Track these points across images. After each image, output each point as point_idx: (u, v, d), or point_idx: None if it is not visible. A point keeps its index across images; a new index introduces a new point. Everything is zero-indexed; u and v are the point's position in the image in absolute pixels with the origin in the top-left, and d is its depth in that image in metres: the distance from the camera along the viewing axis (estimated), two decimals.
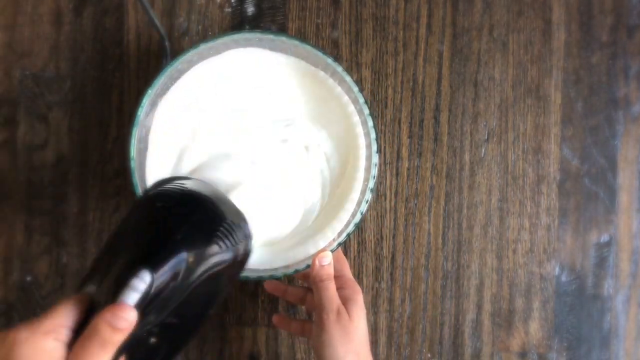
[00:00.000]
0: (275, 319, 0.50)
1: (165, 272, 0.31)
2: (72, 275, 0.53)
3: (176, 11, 0.53)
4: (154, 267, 0.31)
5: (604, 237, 0.54)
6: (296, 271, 0.44)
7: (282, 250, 0.46)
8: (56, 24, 0.53)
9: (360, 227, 0.53)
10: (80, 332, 0.30)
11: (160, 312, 0.32)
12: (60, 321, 0.30)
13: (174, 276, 0.32)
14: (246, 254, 0.38)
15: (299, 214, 0.48)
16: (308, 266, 0.44)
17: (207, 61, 0.46)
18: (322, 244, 0.45)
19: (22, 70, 0.53)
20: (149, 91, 0.44)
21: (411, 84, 0.54)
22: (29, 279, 0.53)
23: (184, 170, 0.47)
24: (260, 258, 0.46)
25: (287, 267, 0.45)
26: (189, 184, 0.38)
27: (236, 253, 0.36)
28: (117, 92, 0.53)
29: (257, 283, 0.53)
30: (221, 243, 0.35)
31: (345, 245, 0.53)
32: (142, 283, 0.30)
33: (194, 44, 0.45)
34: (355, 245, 0.53)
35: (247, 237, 0.38)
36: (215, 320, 0.53)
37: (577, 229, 0.54)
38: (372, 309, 0.53)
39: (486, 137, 0.54)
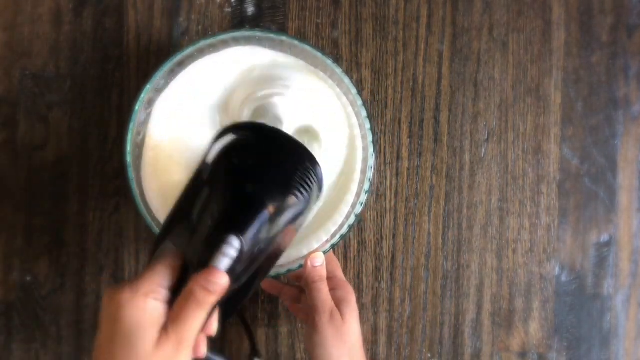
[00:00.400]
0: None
1: (252, 233, 0.32)
2: (72, 275, 0.53)
3: (176, 11, 0.53)
4: (242, 231, 0.31)
5: (604, 237, 0.54)
6: (289, 271, 0.44)
7: None
8: (56, 24, 0.53)
9: (360, 227, 0.53)
10: (177, 291, 0.32)
11: (247, 269, 0.33)
12: (158, 281, 0.33)
13: (259, 233, 0.32)
14: (317, 198, 0.37)
15: None
16: (301, 266, 0.44)
17: (207, 57, 0.47)
18: (315, 245, 0.45)
19: (22, 70, 0.53)
20: (148, 86, 0.44)
21: (411, 84, 0.54)
22: (29, 279, 0.53)
23: (180, 167, 0.46)
24: None
25: (280, 266, 0.45)
26: (256, 131, 0.37)
27: (310, 200, 0.36)
28: (117, 92, 0.53)
29: None
30: (298, 192, 0.34)
31: (345, 245, 0.53)
32: (232, 249, 0.31)
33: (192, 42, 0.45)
34: (355, 245, 0.53)
35: (320, 179, 0.37)
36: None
37: (577, 228, 0.54)
38: (372, 309, 0.53)
39: (486, 137, 0.54)
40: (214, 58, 0.47)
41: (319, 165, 0.37)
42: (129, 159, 0.44)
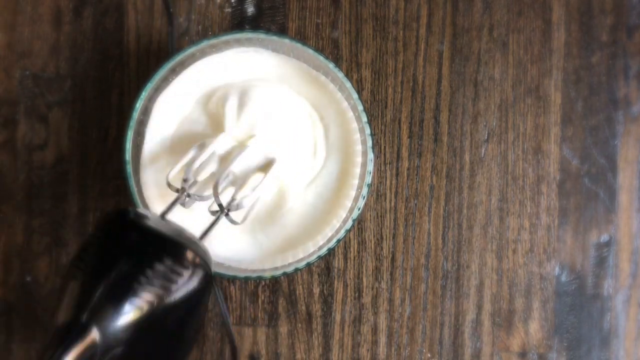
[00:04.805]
0: None
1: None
2: None
3: (176, 11, 0.53)
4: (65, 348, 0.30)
5: (604, 237, 0.54)
6: (284, 274, 0.44)
7: (271, 253, 0.47)
8: (56, 24, 0.53)
9: (360, 227, 0.53)
10: None
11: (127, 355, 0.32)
12: None
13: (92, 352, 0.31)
14: (202, 278, 0.34)
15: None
16: (297, 269, 0.44)
17: (208, 58, 0.47)
18: (311, 249, 0.46)
19: (22, 70, 0.53)
20: (148, 86, 0.44)
21: (411, 84, 0.54)
22: (29, 279, 0.53)
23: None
24: (251, 255, 0.46)
25: (275, 269, 0.46)
26: (111, 226, 0.35)
27: (174, 296, 0.33)
28: (117, 92, 0.53)
29: (257, 283, 0.53)
30: (143, 303, 0.32)
31: (345, 246, 0.53)
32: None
33: (194, 42, 0.46)
34: (355, 245, 0.53)
35: (193, 264, 0.34)
36: (215, 320, 0.53)
37: (577, 229, 0.54)
38: (372, 309, 0.53)
39: (486, 137, 0.54)
40: (215, 59, 0.47)
41: (188, 250, 0.34)
42: (128, 157, 0.44)
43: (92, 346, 0.31)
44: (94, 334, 0.31)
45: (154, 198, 0.46)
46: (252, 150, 0.45)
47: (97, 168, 0.53)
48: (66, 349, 0.31)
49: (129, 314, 0.32)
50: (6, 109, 0.53)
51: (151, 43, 0.53)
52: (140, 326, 0.32)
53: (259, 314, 0.53)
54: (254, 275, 0.45)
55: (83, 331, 0.31)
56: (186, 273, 0.33)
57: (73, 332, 0.31)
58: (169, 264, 0.33)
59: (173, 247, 0.34)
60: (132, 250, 0.33)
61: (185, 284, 0.33)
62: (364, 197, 0.45)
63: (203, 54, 0.46)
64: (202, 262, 0.35)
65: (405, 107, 0.54)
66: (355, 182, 0.46)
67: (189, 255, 0.34)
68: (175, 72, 0.46)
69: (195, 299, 0.35)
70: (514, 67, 0.54)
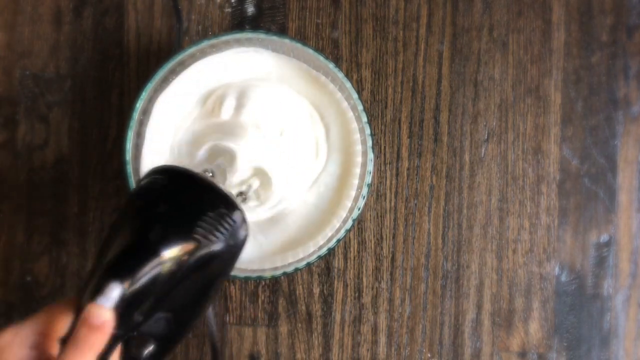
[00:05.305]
0: None
1: (140, 275, 0.31)
2: (72, 275, 0.53)
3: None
4: (125, 275, 0.31)
5: (604, 237, 0.54)
6: (284, 274, 0.45)
7: (271, 253, 0.47)
8: (56, 24, 0.53)
9: (360, 227, 0.53)
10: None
11: (147, 311, 0.32)
12: (42, 328, 0.31)
13: (153, 278, 0.32)
14: (236, 243, 0.36)
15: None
16: (297, 269, 0.44)
17: (208, 58, 0.47)
18: (311, 249, 0.46)
19: (22, 70, 0.53)
20: (148, 86, 0.44)
21: (411, 84, 0.54)
22: (29, 279, 0.53)
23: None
24: (251, 255, 0.46)
25: (275, 268, 0.46)
26: (170, 174, 0.36)
27: (225, 243, 0.35)
28: (117, 92, 0.53)
29: (257, 283, 0.53)
30: (202, 238, 0.34)
31: (345, 245, 0.53)
32: (113, 292, 0.30)
33: (194, 42, 0.46)
34: (355, 245, 0.53)
35: (236, 224, 0.36)
36: (215, 320, 0.53)
37: (577, 229, 0.54)
38: (372, 309, 0.53)
39: (486, 137, 0.54)
40: (215, 59, 0.47)
41: (239, 210, 0.36)
42: (128, 157, 0.44)
43: (160, 264, 0.32)
44: (164, 254, 0.32)
45: None
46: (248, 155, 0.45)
47: (97, 168, 0.53)
48: (140, 262, 0.31)
49: (188, 245, 0.33)
50: (6, 109, 0.53)
51: (151, 43, 0.53)
52: (191, 263, 0.33)
53: (259, 314, 0.53)
54: (254, 275, 0.45)
55: (153, 251, 0.32)
56: (235, 227, 0.35)
57: (143, 249, 0.32)
58: (224, 212, 0.35)
59: (228, 201, 0.36)
60: (195, 193, 0.35)
61: (232, 236, 0.35)
62: (364, 197, 0.45)
63: (203, 54, 0.46)
64: (246, 223, 0.37)
65: (405, 107, 0.54)
66: (356, 182, 0.46)
67: (239, 212, 0.36)
68: (175, 72, 0.46)
69: (234, 253, 0.36)
70: (514, 67, 0.54)
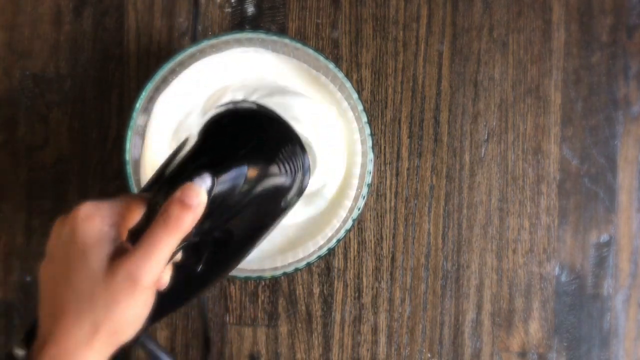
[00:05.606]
0: None
1: (225, 180, 0.32)
2: None
3: (176, 11, 0.53)
4: (216, 172, 0.32)
5: (604, 237, 0.54)
6: (284, 274, 0.45)
7: (271, 253, 0.47)
8: (56, 24, 0.53)
9: (360, 227, 0.53)
10: (137, 235, 0.30)
11: (216, 221, 0.33)
12: (121, 211, 0.31)
13: (233, 187, 0.33)
14: (302, 186, 0.38)
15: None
16: (297, 269, 0.44)
17: (208, 58, 0.47)
18: (311, 249, 0.46)
19: (22, 70, 0.53)
20: (148, 86, 0.44)
21: (411, 84, 0.54)
22: (28, 279, 0.53)
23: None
24: (251, 255, 0.46)
25: (275, 269, 0.46)
26: (258, 106, 0.39)
27: (294, 180, 0.37)
28: (117, 92, 0.53)
29: (257, 283, 0.53)
30: (281, 165, 0.36)
31: (345, 246, 0.53)
32: (204, 183, 0.31)
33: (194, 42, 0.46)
34: (355, 245, 0.53)
35: (306, 168, 0.38)
36: (215, 320, 0.53)
37: (577, 229, 0.54)
38: (372, 309, 0.53)
39: (486, 137, 0.54)
40: (215, 59, 0.47)
41: (307, 156, 0.38)
42: (128, 157, 0.44)
43: (242, 175, 0.34)
44: (248, 170, 0.34)
45: None
46: None
47: (97, 168, 0.53)
48: (228, 167, 0.33)
49: (269, 167, 0.35)
50: (6, 109, 0.53)
51: (151, 43, 0.53)
52: (264, 187, 0.35)
53: (259, 314, 0.53)
54: (254, 275, 0.45)
55: (240, 163, 0.34)
56: (305, 168, 0.38)
57: (233, 159, 0.34)
58: (299, 151, 0.38)
59: (302, 143, 0.38)
60: (279, 128, 0.38)
61: (300, 177, 0.37)
62: (363, 197, 0.45)
63: (203, 54, 0.46)
64: (309, 174, 0.39)
65: (405, 107, 0.54)
66: (355, 182, 0.46)
67: (308, 158, 0.38)
68: (175, 72, 0.46)
69: (295, 195, 0.38)
70: (514, 67, 0.54)
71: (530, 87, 0.54)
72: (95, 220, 0.30)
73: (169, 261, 0.30)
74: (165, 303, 0.32)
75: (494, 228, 0.54)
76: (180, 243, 0.30)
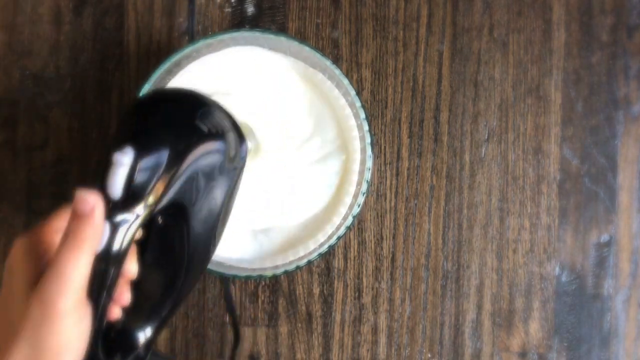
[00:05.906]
0: None
1: (149, 143, 0.30)
2: None
3: (176, 11, 0.53)
4: (135, 142, 0.30)
5: (604, 237, 0.54)
6: (285, 272, 0.45)
7: (272, 252, 0.47)
8: (56, 24, 0.53)
9: (360, 227, 0.53)
10: None
11: (160, 194, 0.31)
12: (45, 228, 0.30)
13: (158, 152, 0.31)
14: (237, 155, 0.37)
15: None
16: (298, 267, 0.44)
17: (206, 57, 0.47)
18: (312, 247, 0.46)
19: (22, 70, 0.53)
20: (146, 85, 0.44)
21: (411, 84, 0.54)
22: None
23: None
24: (252, 255, 0.46)
25: (276, 267, 0.46)
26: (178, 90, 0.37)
27: (227, 148, 0.35)
28: (117, 92, 0.53)
29: (257, 283, 0.53)
30: (202, 125, 0.33)
31: (345, 246, 0.53)
32: (125, 155, 0.29)
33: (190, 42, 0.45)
34: (355, 245, 0.53)
35: (239, 137, 0.36)
36: (215, 320, 0.53)
37: (577, 228, 0.54)
38: (372, 309, 0.53)
39: (486, 137, 0.54)
40: (213, 58, 0.47)
41: (231, 116, 0.36)
42: None
43: (168, 134, 0.32)
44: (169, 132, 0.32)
45: None
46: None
47: (97, 168, 0.53)
48: (146, 124, 0.32)
49: (190, 127, 0.33)
50: (6, 109, 0.53)
51: (151, 43, 0.53)
52: (195, 149, 0.33)
53: (259, 314, 0.53)
54: (255, 274, 0.45)
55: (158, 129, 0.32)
56: (226, 127, 0.36)
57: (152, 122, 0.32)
58: (219, 112, 0.36)
59: (209, 100, 0.36)
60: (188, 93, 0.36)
61: (229, 141, 0.36)
62: (363, 194, 0.45)
63: (199, 53, 0.46)
64: (243, 141, 0.38)
65: (405, 107, 0.54)
66: (355, 178, 0.46)
67: (220, 110, 0.36)
68: (172, 73, 0.46)
69: (233, 163, 0.37)
70: (514, 67, 0.54)
71: (531, 87, 0.54)
72: (15, 250, 0.29)
73: (129, 244, 0.29)
74: (155, 308, 0.31)
75: (494, 228, 0.54)
76: (110, 239, 0.29)
